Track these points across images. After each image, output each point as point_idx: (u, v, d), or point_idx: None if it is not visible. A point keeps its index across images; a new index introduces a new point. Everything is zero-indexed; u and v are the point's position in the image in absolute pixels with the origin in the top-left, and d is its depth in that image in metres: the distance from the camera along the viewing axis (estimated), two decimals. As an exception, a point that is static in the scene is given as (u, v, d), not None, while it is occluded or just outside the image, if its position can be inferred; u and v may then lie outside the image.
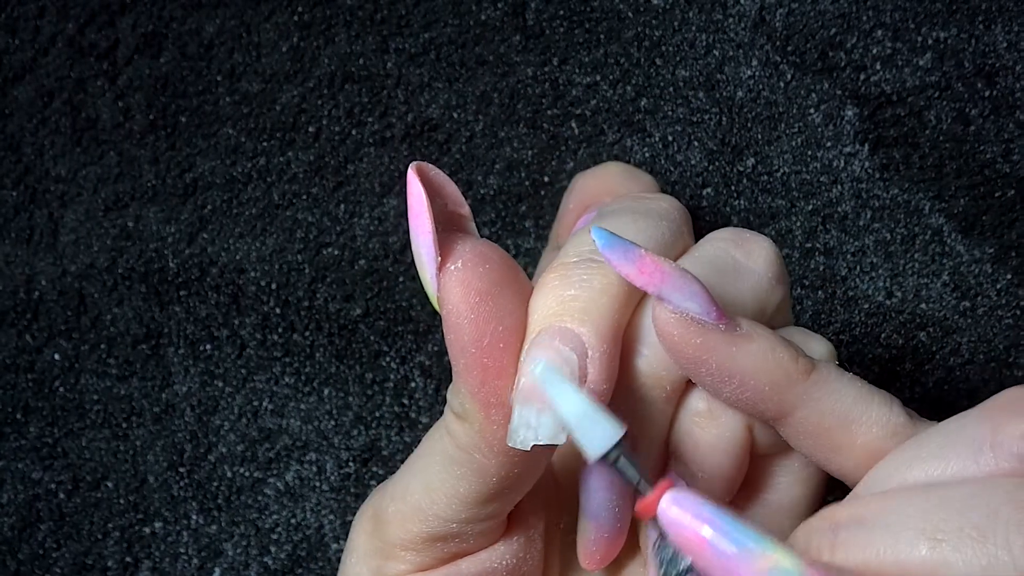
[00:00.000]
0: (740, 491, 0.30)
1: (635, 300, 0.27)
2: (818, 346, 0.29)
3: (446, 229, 0.26)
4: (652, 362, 0.27)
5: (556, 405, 0.25)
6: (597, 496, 0.29)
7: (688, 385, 0.28)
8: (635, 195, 0.31)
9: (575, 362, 0.25)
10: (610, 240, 0.25)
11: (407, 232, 0.41)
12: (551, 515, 0.31)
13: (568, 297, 0.26)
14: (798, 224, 0.41)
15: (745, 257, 0.29)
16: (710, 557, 0.23)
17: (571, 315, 0.26)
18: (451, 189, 0.27)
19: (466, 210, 0.27)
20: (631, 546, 0.31)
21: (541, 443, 0.25)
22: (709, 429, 0.28)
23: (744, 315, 0.28)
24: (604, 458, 0.25)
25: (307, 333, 0.41)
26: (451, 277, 0.25)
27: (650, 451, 0.28)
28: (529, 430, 0.25)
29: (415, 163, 0.26)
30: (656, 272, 0.25)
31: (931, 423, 0.27)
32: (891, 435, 0.26)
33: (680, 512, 0.23)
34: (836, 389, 0.27)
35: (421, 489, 0.28)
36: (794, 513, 0.30)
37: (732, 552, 0.23)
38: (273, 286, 0.41)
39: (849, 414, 0.26)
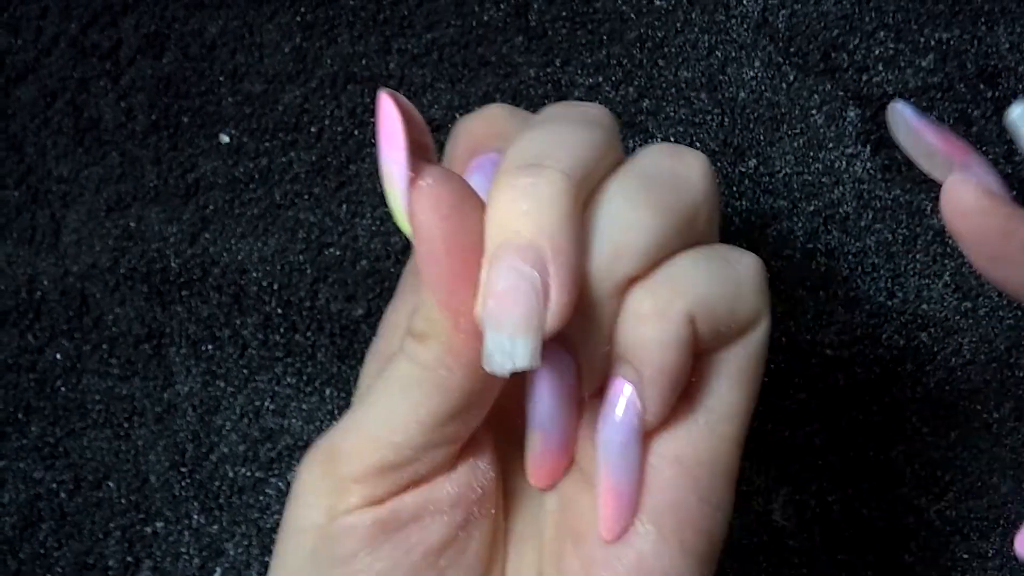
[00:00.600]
0: (679, 399, 0.30)
1: (582, 200, 0.27)
2: (748, 257, 0.29)
3: (413, 154, 0.26)
4: (601, 258, 0.27)
5: None
6: (543, 404, 0.29)
7: (630, 283, 0.28)
8: (566, 103, 0.31)
9: (537, 280, 0.26)
10: (917, 113, 0.25)
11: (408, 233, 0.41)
12: (500, 444, 0.31)
13: (520, 211, 0.26)
14: (800, 225, 0.41)
15: (683, 167, 0.29)
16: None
17: (526, 228, 0.26)
18: (418, 118, 0.27)
19: (430, 140, 0.28)
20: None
21: (519, 369, 0.25)
22: (654, 326, 0.28)
23: (677, 225, 0.28)
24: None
25: (309, 333, 0.41)
26: (423, 192, 0.26)
27: (597, 351, 0.28)
28: (505, 356, 0.25)
29: (386, 88, 0.27)
30: (958, 143, 0.25)
31: None
32: None
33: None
34: None
35: (377, 418, 0.28)
36: (731, 421, 0.30)
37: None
38: (275, 286, 0.41)
39: None
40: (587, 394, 0.29)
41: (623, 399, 0.29)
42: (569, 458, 0.30)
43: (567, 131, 0.28)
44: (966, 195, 0.25)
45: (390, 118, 0.26)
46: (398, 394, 0.28)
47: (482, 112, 0.34)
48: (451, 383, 0.27)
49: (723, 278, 0.28)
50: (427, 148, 0.28)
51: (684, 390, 0.29)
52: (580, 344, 0.28)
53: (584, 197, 0.27)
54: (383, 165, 0.27)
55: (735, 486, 0.30)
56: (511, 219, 0.26)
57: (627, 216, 0.27)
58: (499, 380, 0.28)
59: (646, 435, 0.29)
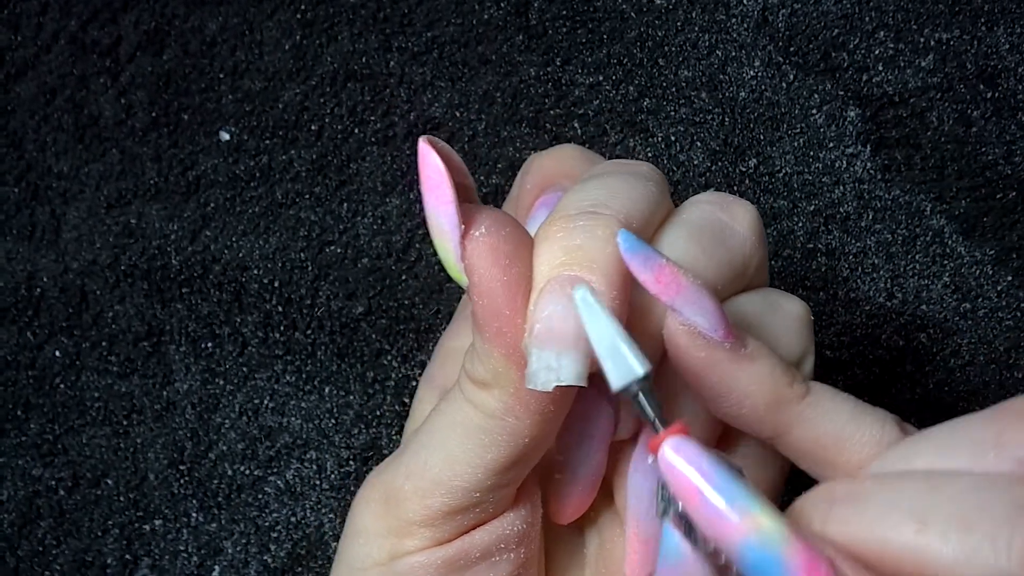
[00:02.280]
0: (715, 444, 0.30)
1: None
2: (793, 306, 0.30)
3: (461, 203, 0.26)
4: (646, 316, 0.27)
5: (589, 331, 0.25)
6: (575, 447, 0.29)
7: None
8: (617, 161, 0.31)
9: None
10: (634, 244, 0.26)
11: (409, 231, 0.41)
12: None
13: (574, 247, 0.26)
14: (800, 225, 0.41)
15: (731, 219, 0.29)
16: (698, 506, 0.23)
17: (579, 264, 0.26)
18: (458, 161, 0.27)
19: (470, 179, 0.27)
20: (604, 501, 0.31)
21: (563, 383, 0.25)
22: None
23: (728, 275, 0.28)
24: (625, 390, 0.25)
25: (309, 331, 0.41)
26: (478, 243, 0.26)
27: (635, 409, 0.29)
28: (551, 372, 0.25)
29: (425, 136, 0.26)
30: (673, 283, 0.26)
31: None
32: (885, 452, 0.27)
33: (678, 458, 0.24)
34: (829, 410, 0.27)
35: (442, 462, 0.28)
36: (766, 468, 0.30)
37: (719, 506, 0.23)
38: (275, 284, 0.41)
39: (842, 434, 0.27)
40: (625, 436, 0.29)
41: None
42: (592, 498, 0.30)
43: (623, 184, 0.28)
44: (675, 330, 0.26)
45: (433, 168, 0.26)
46: (462, 439, 0.27)
47: (555, 151, 0.34)
48: (519, 430, 0.27)
49: (768, 324, 0.29)
50: (469, 189, 0.27)
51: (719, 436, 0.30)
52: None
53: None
54: (430, 216, 0.26)
55: None
56: (564, 254, 0.26)
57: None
58: (561, 419, 0.28)
59: None
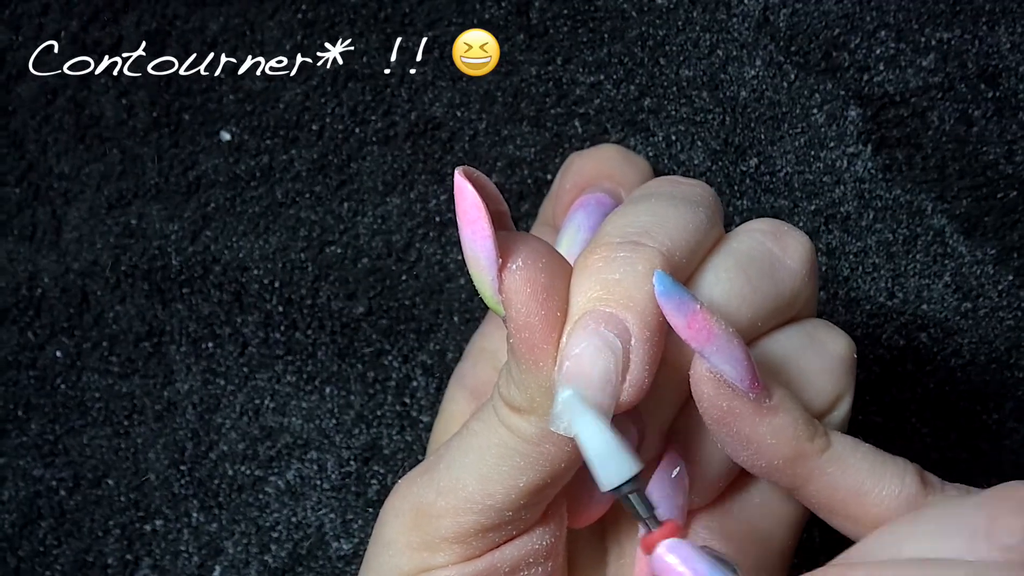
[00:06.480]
0: (716, 502, 0.30)
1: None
2: (837, 345, 0.29)
3: (497, 234, 0.26)
4: (680, 348, 0.27)
5: (578, 432, 0.25)
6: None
7: None
8: (671, 179, 0.31)
9: (619, 349, 0.25)
10: (669, 287, 0.25)
11: (410, 231, 0.41)
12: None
13: (612, 281, 0.26)
14: (801, 224, 0.41)
15: (781, 252, 0.29)
16: None
17: (616, 300, 0.26)
18: (492, 188, 0.26)
19: (505, 206, 0.27)
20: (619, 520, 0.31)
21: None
22: None
23: (772, 309, 0.28)
24: (616, 491, 0.25)
25: (309, 331, 0.41)
26: (516, 277, 0.25)
27: (662, 421, 0.29)
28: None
29: (461, 168, 0.26)
30: (704, 330, 0.25)
31: (950, 488, 0.27)
32: (904, 506, 0.27)
33: (674, 560, 0.24)
34: (849, 465, 0.27)
35: (476, 482, 0.27)
36: (789, 501, 0.30)
37: None
38: (276, 284, 0.41)
39: (861, 487, 0.27)
40: (649, 457, 0.29)
41: (678, 472, 0.29)
42: (608, 506, 0.30)
43: (670, 211, 0.28)
44: (701, 377, 0.26)
45: (470, 203, 0.25)
46: (497, 461, 0.27)
47: (595, 151, 0.34)
48: (556, 456, 0.27)
49: (806, 363, 0.29)
50: (504, 216, 0.27)
51: (725, 496, 0.30)
52: (650, 415, 0.28)
53: (681, 279, 0.27)
54: (467, 247, 0.26)
55: (788, 563, 0.31)
56: (601, 288, 0.26)
57: (722, 302, 0.27)
58: None
59: (696, 509, 0.30)
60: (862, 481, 0.27)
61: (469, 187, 0.25)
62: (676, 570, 0.24)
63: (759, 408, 0.26)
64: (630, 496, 0.25)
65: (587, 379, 0.25)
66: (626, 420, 0.28)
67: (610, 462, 0.25)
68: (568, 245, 0.34)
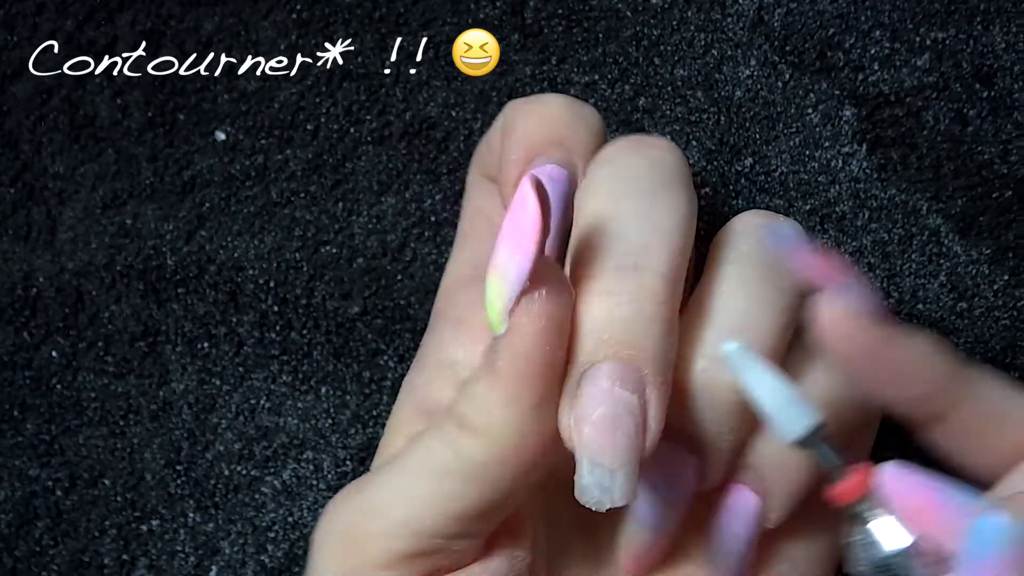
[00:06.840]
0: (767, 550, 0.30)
1: (677, 316, 0.26)
2: None
3: (537, 259, 0.25)
4: (711, 375, 0.27)
5: (750, 388, 0.24)
6: (653, 503, 0.28)
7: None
8: (635, 145, 0.29)
9: (636, 407, 0.24)
10: (782, 236, 0.25)
11: (405, 231, 0.41)
12: (539, 527, 0.30)
13: (618, 319, 0.25)
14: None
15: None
16: (941, 520, 0.23)
17: (627, 346, 0.25)
18: (550, 205, 0.25)
19: (549, 225, 0.26)
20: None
21: (617, 505, 0.24)
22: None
23: (792, 314, 0.27)
24: (803, 443, 0.24)
25: (305, 331, 0.41)
26: (535, 307, 0.24)
27: (722, 446, 0.28)
28: (604, 492, 0.24)
29: (531, 177, 0.24)
30: (826, 267, 0.25)
31: None
32: None
33: (907, 481, 0.24)
34: (991, 387, 0.26)
35: (406, 505, 0.26)
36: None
37: (960, 508, 0.23)
38: (271, 284, 0.41)
39: (1001, 411, 0.26)
40: (713, 484, 0.28)
41: (746, 509, 0.28)
42: (667, 553, 0.29)
43: (657, 211, 0.27)
44: (835, 315, 0.25)
45: (531, 218, 0.24)
46: (431, 482, 0.26)
47: (540, 106, 0.31)
48: (498, 483, 0.26)
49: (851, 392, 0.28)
50: (547, 235, 0.25)
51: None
52: (706, 442, 0.27)
53: (680, 277, 0.26)
54: (500, 258, 0.25)
55: None
56: (607, 329, 0.25)
57: (743, 312, 0.27)
58: (539, 474, 0.27)
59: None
60: (1002, 404, 0.26)
61: (534, 201, 0.24)
62: (913, 488, 0.23)
63: (900, 335, 0.25)
64: (820, 446, 0.24)
65: (611, 453, 0.24)
66: (680, 449, 0.27)
67: (792, 413, 0.24)
68: None
